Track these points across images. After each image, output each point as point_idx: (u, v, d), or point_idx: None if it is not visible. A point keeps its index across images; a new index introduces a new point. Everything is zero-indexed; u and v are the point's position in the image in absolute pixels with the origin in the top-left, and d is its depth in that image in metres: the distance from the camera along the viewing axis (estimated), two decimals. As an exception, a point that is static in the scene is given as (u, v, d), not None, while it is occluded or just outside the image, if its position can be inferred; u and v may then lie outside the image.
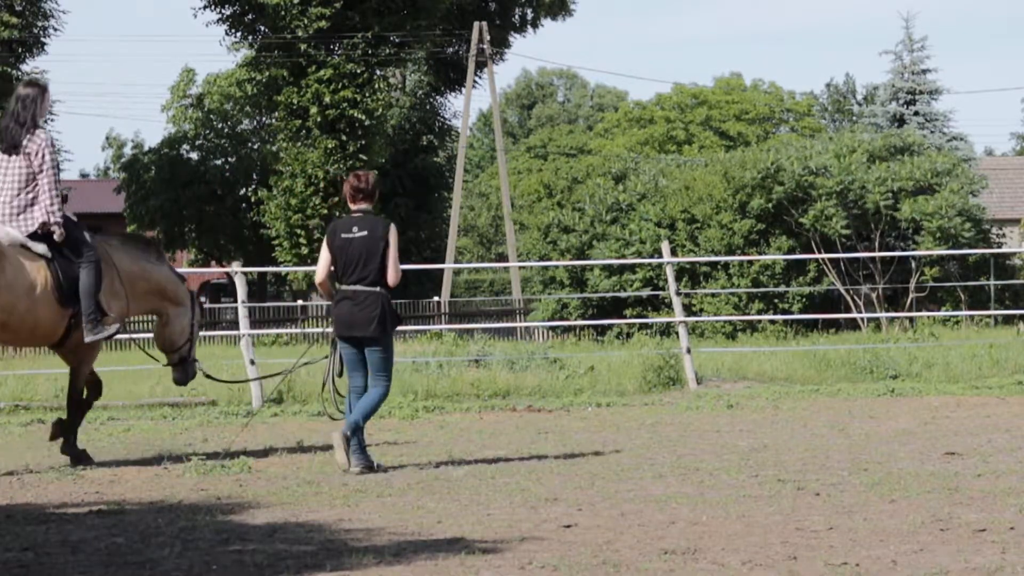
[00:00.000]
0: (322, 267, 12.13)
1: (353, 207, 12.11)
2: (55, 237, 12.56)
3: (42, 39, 55.57)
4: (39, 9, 55.25)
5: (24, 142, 12.58)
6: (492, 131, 66.01)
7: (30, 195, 12.59)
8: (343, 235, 11.96)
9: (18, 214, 12.60)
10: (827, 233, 33.99)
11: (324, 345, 15.10)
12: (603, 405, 17.79)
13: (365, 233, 11.91)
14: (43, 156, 12.58)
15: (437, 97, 63.49)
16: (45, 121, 12.91)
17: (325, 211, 50.03)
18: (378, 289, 11.90)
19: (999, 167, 56.67)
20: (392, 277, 11.92)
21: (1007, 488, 10.34)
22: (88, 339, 12.65)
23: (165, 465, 12.58)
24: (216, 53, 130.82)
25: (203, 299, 66.84)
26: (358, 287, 11.91)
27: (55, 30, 55.84)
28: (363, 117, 49.88)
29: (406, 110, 60.84)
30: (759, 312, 33.40)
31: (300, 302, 51.01)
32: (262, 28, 51.58)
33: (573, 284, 35.61)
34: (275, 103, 51.19)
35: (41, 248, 12.56)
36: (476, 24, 52.65)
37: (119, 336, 15.59)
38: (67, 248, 12.63)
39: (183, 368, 13.63)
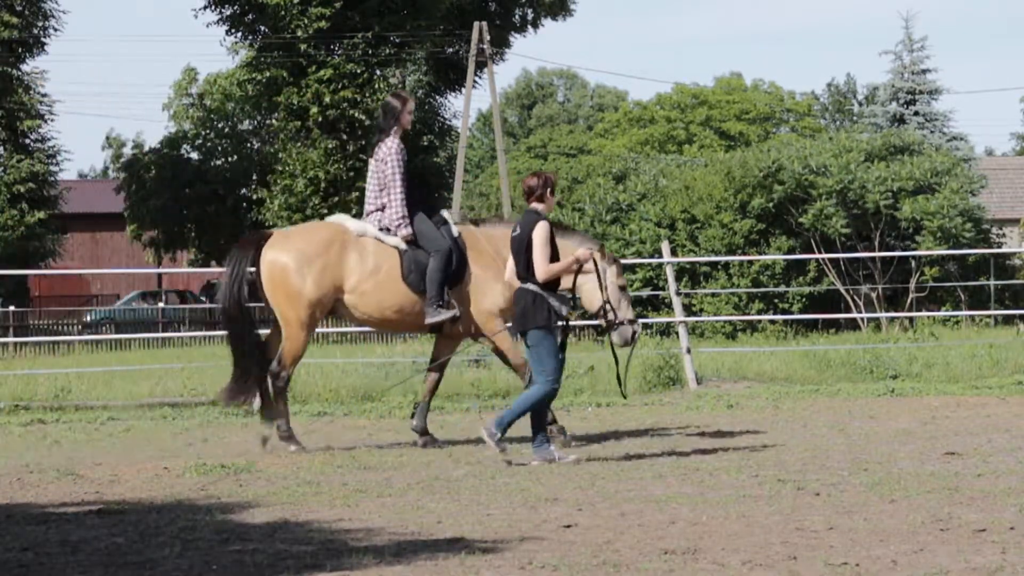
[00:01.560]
0: (508, 265, 12.57)
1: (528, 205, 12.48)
2: (400, 237, 13.62)
3: (42, 39, 55.62)
4: (39, 9, 55.28)
5: (377, 148, 13.82)
6: (492, 131, 66.02)
7: (381, 199, 13.74)
8: (512, 234, 12.40)
9: (372, 213, 13.80)
10: (827, 233, 33.99)
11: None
12: (603, 405, 17.78)
13: (519, 232, 12.26)
14: (386, 162, 13.71)
15: (437, 97, 63.45)
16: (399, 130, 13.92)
17: (325, 211, 49.99)
18: (528, 285, 12.10)
19: (999, 167, 56.70)
20: (538, 273, 12.06)
21: (1007, 488, 10.33)
22: (426, 321, 13.62)
23: (165, 465, 12.58)
24: (216, 53, 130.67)
25: (203, 300, 65.69)
26: (517, 283, 12.24)
27: (55, 30, 55.92)
28: (363, 117, 49.89)
29: (406, 110, 60.78)
30: (759, 312, 33.39)
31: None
32: (262, 28, 51.61)
33: (573, 284, 35.58)
34: (275, 103, 51.21)
35: (393, 241, 13.71)
36: (476, 24, 52.58)
37: (120, 336, 15.84)
38: (419, 240, 13.63)
39: (616, 331, 13.80)
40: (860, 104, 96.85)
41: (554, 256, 12.14)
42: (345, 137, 50.05)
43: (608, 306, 13.54)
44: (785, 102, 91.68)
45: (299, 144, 50.24)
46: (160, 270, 65.23)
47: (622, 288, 13.75)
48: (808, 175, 34.66)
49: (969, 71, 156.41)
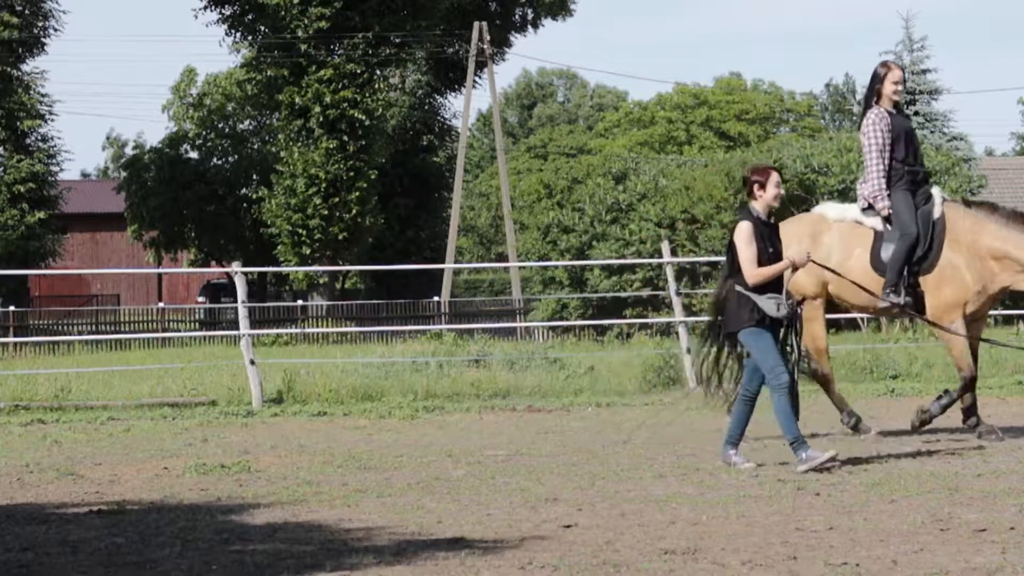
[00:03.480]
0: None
1: None
2: (878, 211, 13.27)
3: (42, 39, 55.63)
4: (39, 9, 55.30)
5: (863, 121, 13.52)
6: (492, 131, 66.02)
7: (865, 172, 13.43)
8: None
9: (860, 187, 13.56)
10: (828, 233, 33.99)
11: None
12: (603, 405, 17.78)
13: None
14: (866, 134, 13.38)
15: (437, 97, 63.47)
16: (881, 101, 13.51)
17: (326, 211, 50.03)
18: (736, 286, 11.63)
19: (999, 167, 56.69)
20: (747, 278, 11.52)
21: (1007, 488, 10.34)
22: (878, 305, 13.30)
23: (165, 465, 12.58)
24: (216, 53, 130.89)
25: (202, 300, 65.70)
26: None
27: (55, 30, 55.95)
28: (363, 117, 49.89)
29: (406, 110, 60.84)
30: (759, 312, 33.39)
31: (300, 302, 51.01)
32: (262, 28, 51.62)
33: (573, 284, 35.61)
34: (276, 103, 51.24)
35: (871, 221, 13.38)
36: (476, 24, 52.63)
37: (120, 336, 15.79)
38: (892, 220, 13.26)
39: None
40: (859, 104, 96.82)
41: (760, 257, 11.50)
42: (346, 137, 50.04)
43: None
44: (785, 102, 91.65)
45: (300, 144, 50.26)
46: (160, 270, 65.22)
47: None
48: (810, 174, 34.67)
49: (969, 71, 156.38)
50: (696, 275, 34.35)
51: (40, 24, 55.29)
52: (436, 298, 47.67)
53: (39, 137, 56.43)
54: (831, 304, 14.07)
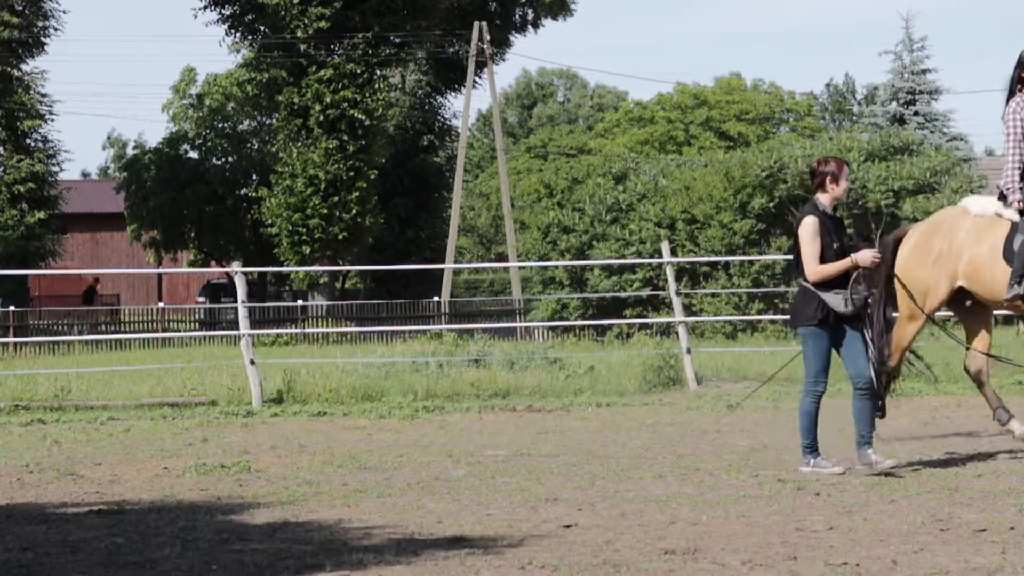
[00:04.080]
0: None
1: None
2: (1010, 203, 12.99)
3: (42, 39, 55.61)
4: (39, 9, 55.28)
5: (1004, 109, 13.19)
6: (492, 131, 66.00)
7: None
8: None
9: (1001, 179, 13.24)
10: (827, 233, 33.97)
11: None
12: (603, 405, 17.78)
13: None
14: (1005, 122, 13.11)
15: (437, 97, 63.47)
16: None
17: (325, 211, 50.02)
18: (801, 281, 11.43)
19: (999, 167, 56.66)
20: (807, 274, 11.33)
21: (1007, 488, 10.34)
22: (1004, 296, 13.04)
23: (165, 465, 12.58)
24: (216, 53, 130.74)
25: (202, 300, 65.87)
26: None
27: (55, 30, 55.92)
28: (363, 117, 49.88)
29: (406, 110, 60.85)
30: (759, 312, 33.38)
31: (300, 302, 51.00)
32: (262, 28, 51.62)
33: (573, 284, 35.59)
34: (276, 103, 51.24)
35: (1008, 213, 13.08)
36: (476, 24, 52.60)
37: (120, 336, 15.78)
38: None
39: None
40: (860, 104, 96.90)
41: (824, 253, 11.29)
42: (345, 137, 50.03)
43: None
44: (785, 102, 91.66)
45: (299, 144, 50.26)
46: (160, 270, 65.20)
47: None
48: (810, 175, 34.67)
49: (969, 71, 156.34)
50: (696, 275, 34.33)
51: (40, 24, 55.26)
52: (436, 298, 47.63)
53: (39, 137, 56.41)
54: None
